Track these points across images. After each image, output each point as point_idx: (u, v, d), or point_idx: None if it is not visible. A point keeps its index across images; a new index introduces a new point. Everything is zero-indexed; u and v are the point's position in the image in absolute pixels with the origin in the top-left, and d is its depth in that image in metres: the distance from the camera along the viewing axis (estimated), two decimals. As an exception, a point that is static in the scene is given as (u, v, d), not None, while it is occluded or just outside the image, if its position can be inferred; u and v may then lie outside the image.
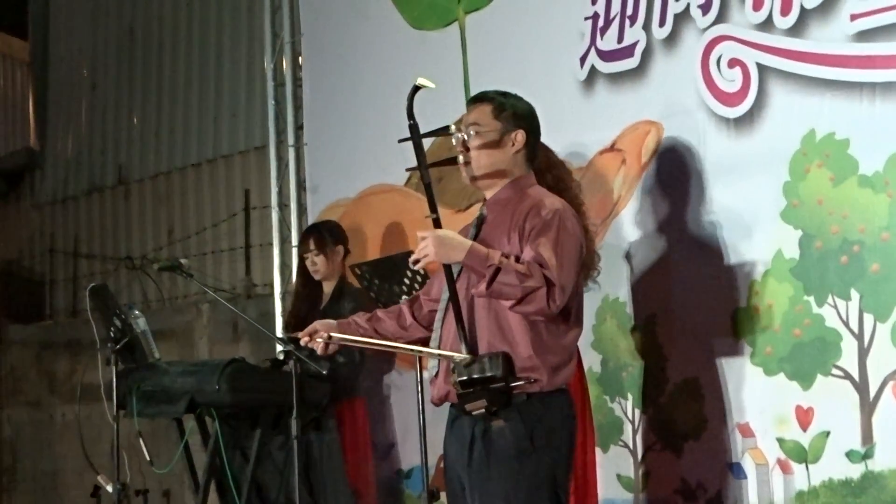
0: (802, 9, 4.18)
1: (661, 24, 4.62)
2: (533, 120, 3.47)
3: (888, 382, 3.93)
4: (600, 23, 4.84)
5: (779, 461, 4.21)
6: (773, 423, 4.23)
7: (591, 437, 4.35)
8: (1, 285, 9.73)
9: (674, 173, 4.57)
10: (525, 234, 3.27)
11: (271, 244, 6.74)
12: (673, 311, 4.56)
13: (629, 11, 4.74)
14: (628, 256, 4.70)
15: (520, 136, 3.41)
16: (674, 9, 4.57)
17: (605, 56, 4.83)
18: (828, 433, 4.08)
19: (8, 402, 9.22)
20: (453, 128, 3.42)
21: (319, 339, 3.55)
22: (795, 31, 4.21)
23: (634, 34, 4.71)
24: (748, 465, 4.29)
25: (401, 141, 3.45)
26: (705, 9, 4.47)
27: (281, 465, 4.89)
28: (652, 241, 4.65)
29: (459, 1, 5.51)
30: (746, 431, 4.30)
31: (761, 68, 4.30)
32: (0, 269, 9.88)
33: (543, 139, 3.58)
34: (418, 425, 4.69)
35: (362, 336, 3.61)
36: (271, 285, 6.77)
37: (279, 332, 6.19)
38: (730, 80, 4.40)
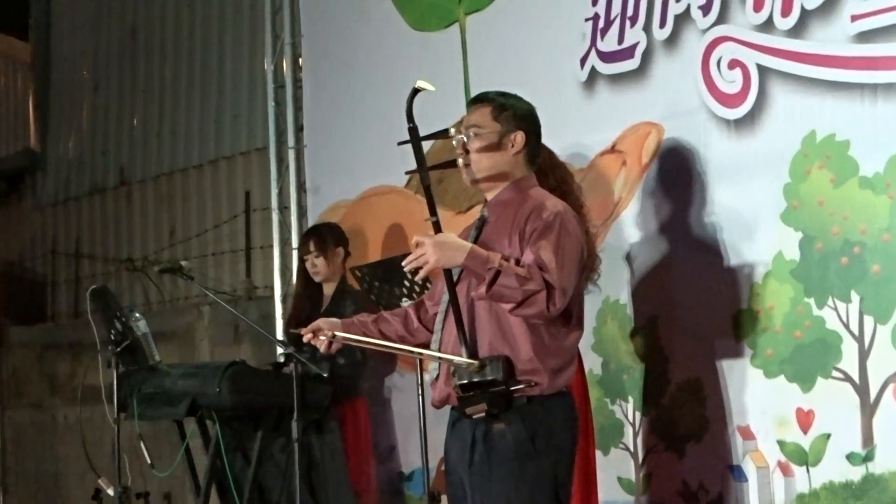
0: (803, 10, 4.17)
1: (662, 25, 4.61)
2: (533, 120, 3.45)
3: (888, 384, 3.93)
4: (601, 24, 4.84)
5: (779, 463, 4.21)
6: (773, 425, 4.22)
7: (593, 440, 4.34)
8: (2, 287, 9.74)
9: (674, 175, 4.56)
10: (526, 237, 3.26)
11: (272, 246, 6.74)
12: (674, 312, 4.56)
13: (630, 12, 4.73)
14: (629, 258, 4.70)
15: (519, 138, 3.39)
16: (674, 10, 4.56)
17: (606, 57, 4.83)
18: (828, 435, 4.07)
19: (10, 404, 9.23)
20: (453, 131, 3.41)
21: (323, 338, 3.53)
22: (796, 32, 4.20)
23: (635, 35, 4.71)
24: (749, 467, 4.28)
25: (400, 143, 3.45)
26: (706, 10, 4.46)
27: (283, 467, 4.89)
28: (653, 242, 4.64)
29: (460, 2, 5.50)
30: (747, 434, 4.29)
31: (762, 69, 4.30)
32: (1, 270, 9.89)
33: (544, 140, 3.57)
34: (419, 427, 4.69)
35: (367, 337, 3.59)
36: (272, 287, 6.77)
37: (279, 335, 6.18)
38: (730, 82, 4.39)
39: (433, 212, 3.28)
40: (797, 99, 4.20)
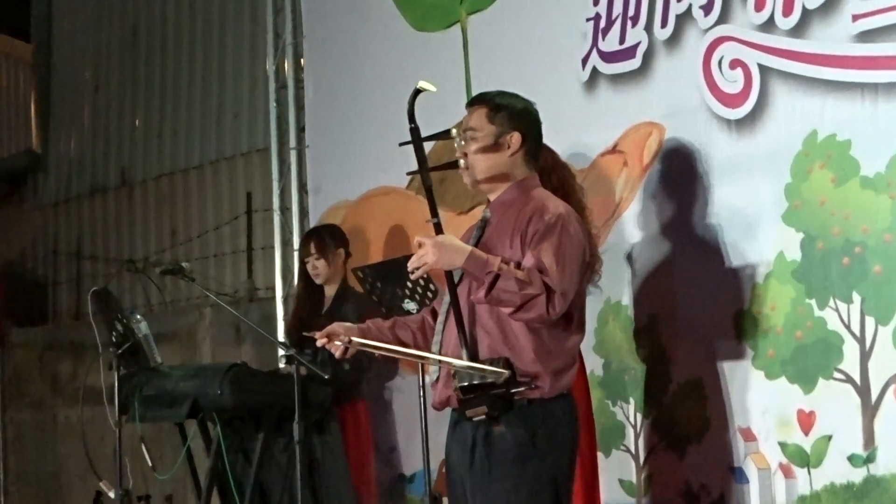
0: (804, 9, 4.16)
1: (663, 25, 4.61)
2: (530, 119, 3.43)
3: (890, 386, 3.92)
4: (602, 24, 4.83)
5: (781, 465, 4.20)
6: (775, 426, 4.21)
7: (594, 442, 4.33)
8: (4, 287, 9.73)
9: (676, 175, 4.56)
10: (527, 239, 3.25)
11: (273, 247, 6.73)
12: (675, 313, 4.55)
13: (631, 12, 4.73)
14: (630, 258, 4.69)
15: (515, 138, 3.37)
16: (675, 10, 4.56)
17: (607, 57, 4.82)
18: (830, 437, 4.07)
19: (11, 404, 9.23)
20: (454, 131, 3.39)
21: (338, 342, 3.45)
22: (797, 31, 4.19)
23: (636, 35, 4.70)
24: (750, 469, 4.27)
25: (402, 144, 3.44)
26: (707, 10, 4.45)
27: (284, 468, 4.89)
28: (654, 243, 4.63)
29: (462, 2, 5.50)
30: (748, 435, 4.28)
31: (763, 69, 4.29)
32: (3, 271, 9.88)
33: (545, 140, 3.55)
34: (421, 429, 4.68)
35: (384, 342, 3.47)
36: (273, 288, 6.76)
37: (281, 336, 6.17)
38: (732, 81, 4.38)
39: (434, 213, 3.27)
40: (798, 99, 4.19)
